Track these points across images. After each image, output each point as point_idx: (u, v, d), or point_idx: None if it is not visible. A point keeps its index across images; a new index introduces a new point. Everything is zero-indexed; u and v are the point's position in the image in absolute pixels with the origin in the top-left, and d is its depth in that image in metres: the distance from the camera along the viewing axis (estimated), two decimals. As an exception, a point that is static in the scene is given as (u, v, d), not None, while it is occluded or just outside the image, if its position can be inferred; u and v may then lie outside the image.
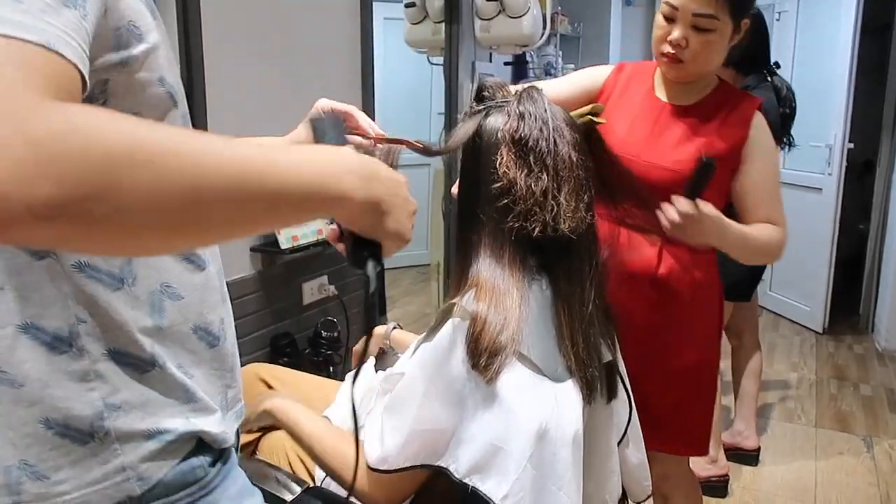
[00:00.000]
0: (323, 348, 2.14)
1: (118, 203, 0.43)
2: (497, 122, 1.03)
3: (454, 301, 0.97)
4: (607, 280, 1.13)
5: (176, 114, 0.68)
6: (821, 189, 3.79)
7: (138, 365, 0.66)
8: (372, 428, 0.98)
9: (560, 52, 3.98)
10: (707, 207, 1.27)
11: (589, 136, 1.15)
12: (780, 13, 4.10)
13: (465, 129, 1.05)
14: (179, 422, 0.68)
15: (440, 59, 3.23)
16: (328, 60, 2.26)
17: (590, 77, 1.57)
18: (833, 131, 3.69)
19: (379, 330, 1.51)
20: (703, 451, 1.58)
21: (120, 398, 0.65)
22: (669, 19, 1.35)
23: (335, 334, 2.17)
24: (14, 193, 0.40)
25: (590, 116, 1.18)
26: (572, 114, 1.22)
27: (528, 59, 3.68)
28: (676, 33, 1.33)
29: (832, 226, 3.74)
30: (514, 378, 0.93)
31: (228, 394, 0.77)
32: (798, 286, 3.99)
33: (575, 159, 1.00)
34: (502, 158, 0.99)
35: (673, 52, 1.35)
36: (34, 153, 0.40)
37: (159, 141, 0.46)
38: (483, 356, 0.92)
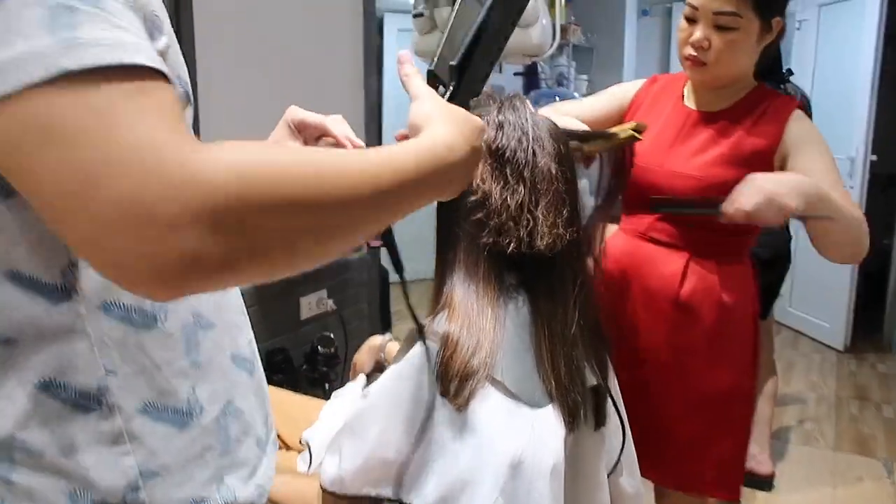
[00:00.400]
0: (319, 365, 2.09)
1: (297, 246, 0.45)
2: None
3: (423, 322, 0.92)
4: (598, 298, 1.07)
5: (190, 112, 0.61)
6: (842, 203, 3.67)
7: (176, 418, 0.58)
8: (332, 447, 0.93)
9: (573, 63, 3.93)
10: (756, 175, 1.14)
11: (622, 149, 1.14)
12: (800, 22, 4.02)
13: None
14: (214, 488, 0.61)
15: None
16: (328, 68, 2.23)
17: (621, 92, 1.53)
18: (855, 143, 3.60)
19: (374, 341, 1.46)
20: (733, 493, 1.42)
21: (157, 462, 0.57)
22: (691, 20, 1.30)
23: (332, 350, 2.11)
24: (207, 257, 0.40)
25: (632, 132, 1.17)
26: (615, 129, 1.20)
27: (540, 69, 3.63)
28: (698, 34, 1.28)
29: (854, 240, 3.62)
30: (487, 405, 0.87)
31: (269, 421, 0.71)
32: (818, 302, 3.87)
33: (555, 171, 0.94)
34: (477, 169, 0.94)
35: (695, 54, 1.30)
36: (214, 219, 0.39)
37: (320, 172, 0.46)
38: (453, 381, 0.86)
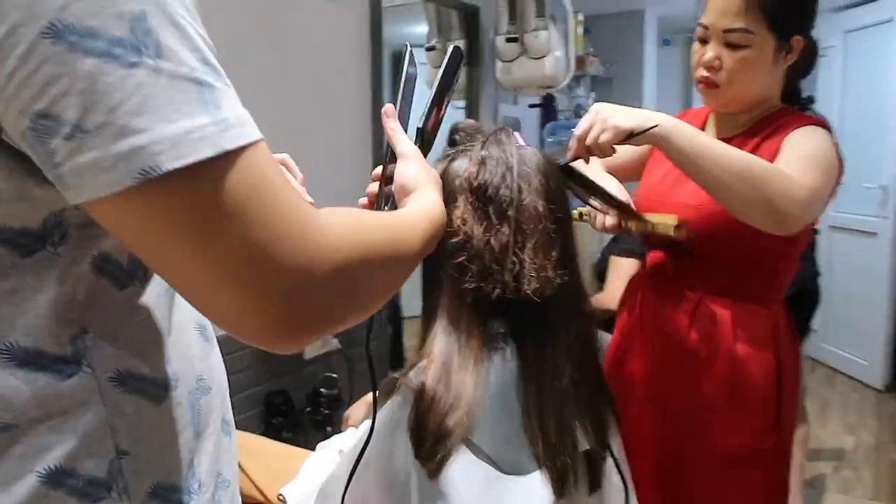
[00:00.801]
0: (322, 406, 2.02)
1: (387, 296, 0.54)
2: (459, 168, 0.91)
3: (398, 375, 0.84)
4: (595, 348, 0.98)
5: None
6: (876, 233, 3.53)
7: (182, 497, 0.53)
8: None
9: (592, 94, 3.86)
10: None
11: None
12: (825, 49, 3.91)
13: None
14: None
15: (463, 103, 3.15)
16: (338, 105, 2.20)
17: None
18: (887, 171, 3.47)
19: (370, 397, 1.38)
20: None
21: None
22: (703, 41, 1.23)
23: (335, 392, 2.04)
24: (334, 311, 0.46)
25: (674, 228, 1.15)
26: (659, 217, 1.17)
27: (557, 101, 3.57)
28: (709, 54, 1.21)
29: (890, 272, 3.47)
30: (462, 470, 0.79)
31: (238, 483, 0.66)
32: (854, 338, 3.70)
33: (542, 210, 0.87)
34: (459, 209, 0.87)
35: (707, 74, 1.22)
36: (342, 278, 0.45)
37: (396, 233, 0.57)
38: (426, 442, 0.78)
